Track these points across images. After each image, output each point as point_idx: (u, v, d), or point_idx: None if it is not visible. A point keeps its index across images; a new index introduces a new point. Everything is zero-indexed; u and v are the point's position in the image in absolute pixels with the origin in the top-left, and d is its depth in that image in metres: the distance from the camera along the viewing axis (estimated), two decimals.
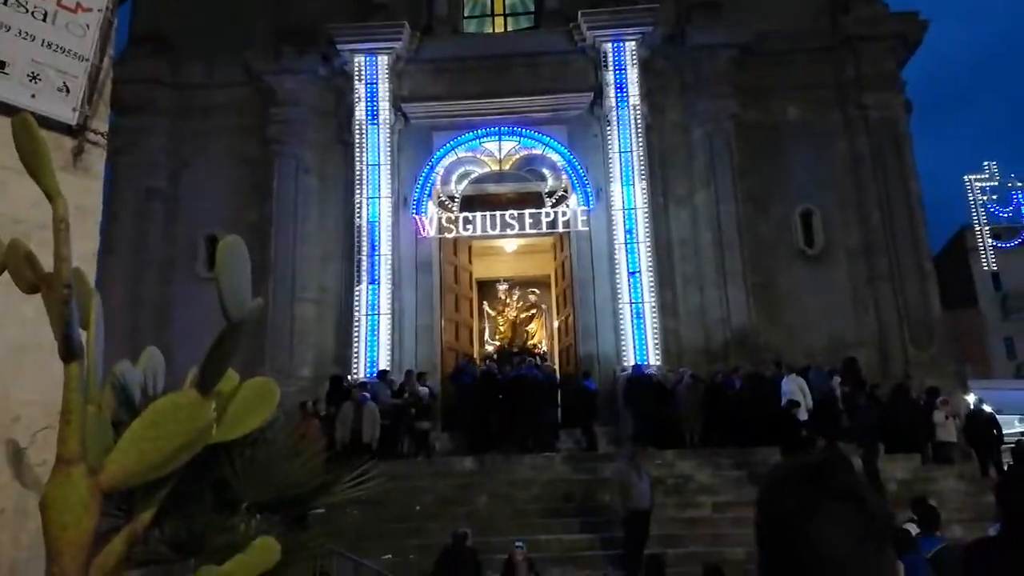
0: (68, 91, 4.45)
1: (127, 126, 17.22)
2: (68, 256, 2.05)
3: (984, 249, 22.59)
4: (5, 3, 4.20)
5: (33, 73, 4.30)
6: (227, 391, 2.51)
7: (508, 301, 19.73)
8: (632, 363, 15.59)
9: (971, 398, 17.01)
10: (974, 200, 21.15)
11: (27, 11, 4.27)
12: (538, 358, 17.05)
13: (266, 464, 2.63)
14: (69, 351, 2.08)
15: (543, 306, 19.62)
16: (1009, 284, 33.38)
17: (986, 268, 24.53)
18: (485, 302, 20.10)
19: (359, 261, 16.72)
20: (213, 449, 2.51)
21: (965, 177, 21.38)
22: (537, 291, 19.72)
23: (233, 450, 2.58)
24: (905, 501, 11.59)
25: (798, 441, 12.50)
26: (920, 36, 17.87)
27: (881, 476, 11.86)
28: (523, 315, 19.45)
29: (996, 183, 21.17)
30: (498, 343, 19.18)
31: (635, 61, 17.15)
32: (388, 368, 15.81)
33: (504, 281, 20.12)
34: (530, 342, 18.86)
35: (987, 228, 22.30)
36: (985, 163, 21.25)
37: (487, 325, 20.00)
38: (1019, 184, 21.28)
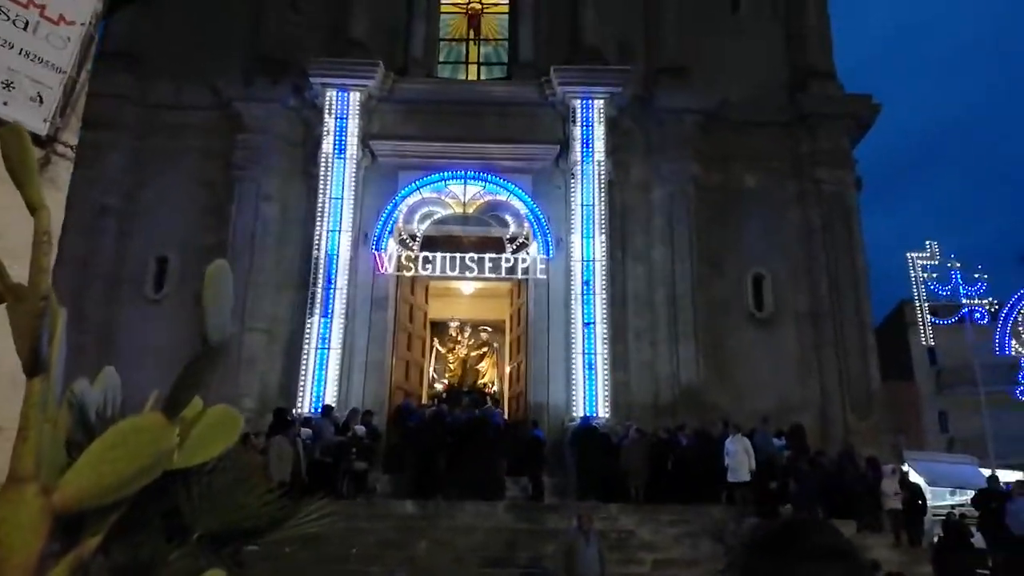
0: (41, 101, 4.39)
1: (88, 140, 16.68)
2: (48, 268, 2.01)
3: (923, 324, 23.44)
4: None
5: (7, 81, 4.23)
6: (190, 417, 2.47)
7: (459, 339, 19.45)
8: (581, 414, 15.63)
9: (905, 468, 17.48)
10: (915, 276, 22.03)
11: (8, 19, 4.22)
12: (489, 399, 16.80)
13: (222, 493, 2.57)
14: (35, 365, 2.03)
15: (495, 345, 19.30)
16: (944, 360, 34.62)
17: (924, 343, 25.43)
18: (436, 339, 19.85)
19: (314, 293, 16.55)
20: (170, 475, 2.45)
21: (908, 254, 22.29)
22: (489, 329, 19.47)
23: (191, 477, 2.52)
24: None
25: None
26: (873, 118, 18.80)
27: None
28: (474, 353, 19.16)
29: (936, 262, 22.12)
30: (447, 382, 18.78)
31: (602, 119, 17.61)
32: (334, 404, 15.53)
33: (456, 319, 19.92)
34: (480, 381, 18.55)
35: (926, 304, 23.17)
36: (927, 242, 22.20)
37: (436, 364, 19.70)
38: (958, 264, 22.27)
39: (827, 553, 1.03)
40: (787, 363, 17.19)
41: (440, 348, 19.46)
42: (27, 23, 4.31)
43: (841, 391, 16.90)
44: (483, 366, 19.02)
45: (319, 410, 15.11)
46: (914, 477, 17.69)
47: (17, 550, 1.99)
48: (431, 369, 19.82)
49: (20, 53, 4.29)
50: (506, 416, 16.80)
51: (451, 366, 19.17)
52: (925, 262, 22.12)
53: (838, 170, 18.10)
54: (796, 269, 17.83)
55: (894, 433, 20.35)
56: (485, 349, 19.20)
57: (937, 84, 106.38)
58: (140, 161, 17.88)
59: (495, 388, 18.38)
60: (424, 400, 18.08)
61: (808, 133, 18.28)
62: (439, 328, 20.88)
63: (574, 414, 15.80)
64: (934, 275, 22.17)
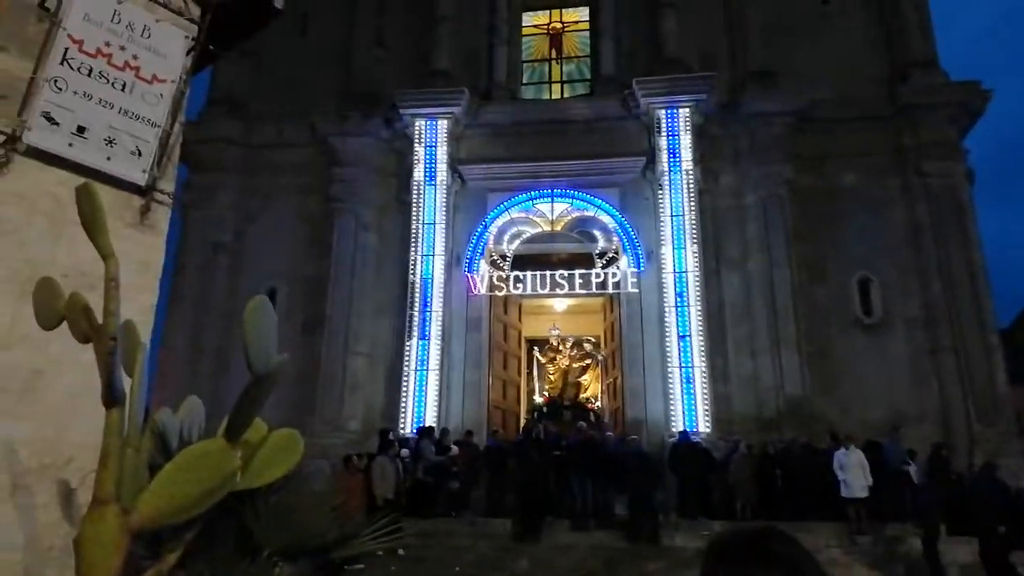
0: (140, 154, 4.83)
1: (199, 183, 18.23)
2: (116, 311, 2.25)
3: None
4: (89, 74, 4.62)
5: (109, 138, 4.69)
6: (255, 440, 2.66)
7: (561, 349, 18.30)
8: (680, 429, 15.32)
9: None
10: None
11: (108, 82, 4.69)
12: (592, 414, 16.17)
13: (287, 512, 2.74)
14: (111, 398, 2.26)
15: (599, 357, 17.95)
16: None
17: None
18: (536, 347, 18.97)
19: (411, 316, 17.04)
20: (239, 496, 2.65)
21: None
22: (593, 339, 18.20)
23: (257, 497, 2.71)
24: None
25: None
26: (983, 106, 17.60)
27: (942, 559, 11.27)
28: (576, 365, 17.98)
29: None
30: (547, 395, 17.69)
31: (688, 127, 17.36)
32: (434, 424, 15.89)
33: (556, 327, 18.83)
34: (582, 396, 17.53)
35: None
36: None
37: (536, 377, 18.79)
38: None
39: (784, 561, 1.06)
40: (900, 370, 16.24)
41: (540, 358, 18.46)
42: (124, 84, 4.77)
43: (964, 398, 15.78)
44: (585, 379, 17.91)
45: (418, 431, 15.48)
46: None
47: (99, 565, 2.22)
48: (535, 384, 19.70)
49: (119, 112, 4.75)
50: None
51: (551, 378, 18.11)
52: None
53: (946, 162, 17.04)
54: (905, 271, 16.86)
55: None
56: (588, 361, 18.06)
57: None
58: (247, 199, 19.04)
59: (598, 403, 17.39)
60: (523, 417, 18.19)
61: (910, 125, 17.33)
62: (537, 344, 21.02)
63: (673, 429, 15.50)
64: None
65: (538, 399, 17.54)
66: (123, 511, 2.27)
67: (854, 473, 12.78)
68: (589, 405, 16.66)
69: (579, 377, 17.77)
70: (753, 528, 1.15)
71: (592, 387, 17.72)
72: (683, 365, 16.05)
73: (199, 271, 18.30)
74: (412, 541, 9.68)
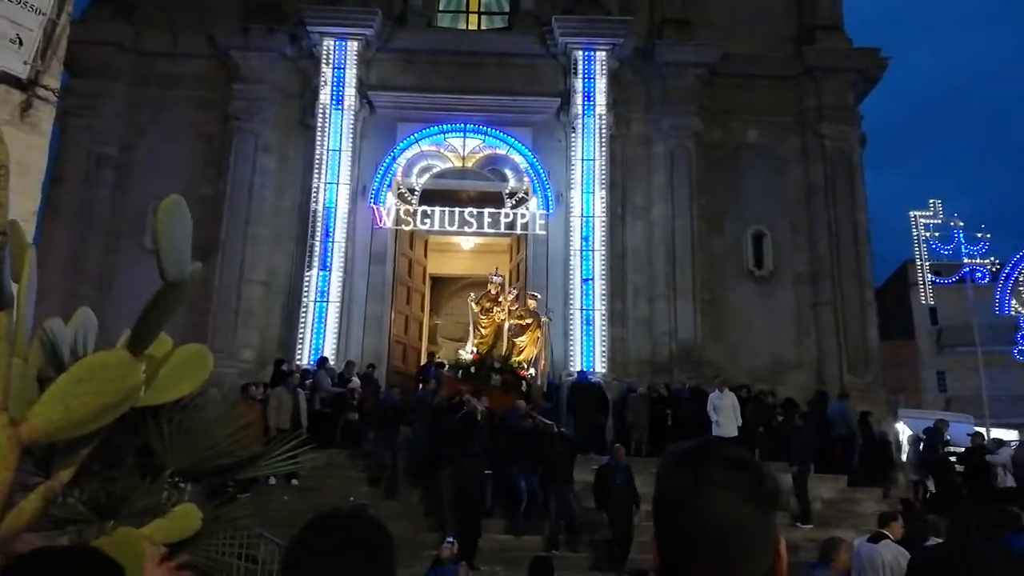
0: (21, 44, 4.34)
1: (82, 88, 16.73)
2: (5, 203, 2.01)
3: (923, 284, 23.39)
4: None
5: None
6: (159, 355, 2.49)
7: (500, 300, 15.65)
8: (578, 369, 15.74)
9: (899, 426, 17.69)
10: (917, 235, 21.90)
11: None
12: (523, 382, 14.46)
13: (193, 431, 2.61)
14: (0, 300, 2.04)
15: (545, 319, 15.50)
16: (945, 320, 34.74)
17: (924, 303, 25.41)
18: (472, 293, 16.37)
19: (312, 246, 16.55)
20: (140, 412, 2.48)
21: (910, 213, 22.11)
22: (538, 296, 15.80)
23: (161, 415, 2.56)
24: (832, 518, 12.05)
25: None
26: (880, 73, 18.48)
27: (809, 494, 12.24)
28: (515, 322, 15.33)
29: (939, 221, 21.96)
30: (475, 351, 15.11)
31: (604, 71, 17.34)
32: (333, 357, 15.65)
33: (498, 274, 16.50)
34: (515, 359, 15.02)
35: (928, 264, 23.10)
36: (931, 201, 22.00)
37: (472, 324, 15.81)
38: (960, 224, 22.10)
39: (737, 463, 1.13)
40: (784, 321, 17.22)
41: (474, 307, 15.67)
42: None
43: (839, 350, 16.93)
44: (522, 340, 15.21)
45: (316, 362, 15.22)
46: (909, 434, 17.92)
47: None
48: (436, 326, 18.82)
49: None
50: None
51: (483, 331, 15.39)
52: (928, 221, 21.97)
53: (842, 125, 17.86)
54: (797, 227, 17.73)
55: (892, 392, 20.50)
56: (530, 321, 15.26)
57: (950, 42, 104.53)
58: (136, 111, 17.72)
59: (531, 371, 14.96)
60: (423, 356, 18.05)
61: (814, 88, 17.99)
62: (441, 286, 20.82)
63: (571, 369, 15.91)
64: (937, 234, 22.04)
65: (465, 355, 15.09)
66: (11, 421, 2.08)
67: (726, 415, 13.60)
68: (521, 372, 14.70)
69: (517, 336, 15.27)
70: (705, 438, 1.23)
71: (528, 350, 15.21)
72: (584, 308, 16.41)
73: (80, 184, 16.99)
74: (309, 471, 9.56)
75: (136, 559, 2.10)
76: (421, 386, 14.66)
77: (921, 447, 14.76)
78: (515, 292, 16.18)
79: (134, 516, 2.44)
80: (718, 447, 1.16)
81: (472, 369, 14.50)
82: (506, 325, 15.34)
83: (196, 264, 2.16)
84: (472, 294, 16.22)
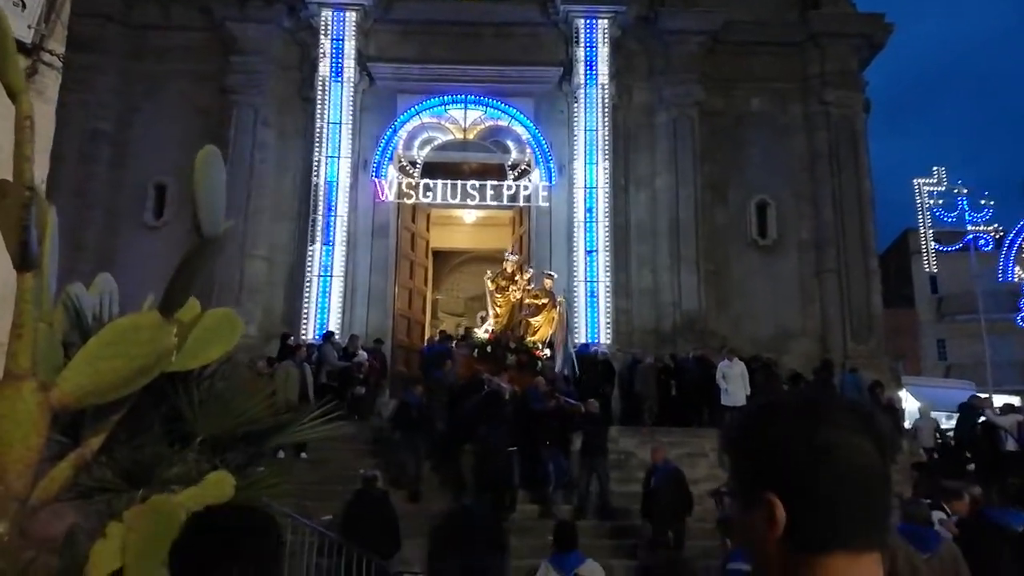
0: (24, 7, 4.21)
1: (75, 62, 16.29)
2: (32, 156, 1.92)
3: (926, 252, 23.33)
4: None
5: None
6: (188, 320, 2.41)
7: (517, 279, 15.38)
8: (582, 341, 15.71)
9: (902, 393, 17.73)
10: (921, 203, 21.79)
11: None
12: (539, 363, 14.22)
13: (224, 398, 2.54)
14: (25, 260, 1.96)
15: (560, 300, 15.14)
16: (946, 288, 34.70)
17: (926, 270, 25.38)
18: (488, 271, 16.05)
19: (314, 221, 16.42)
20: (169, 378, 2.41)
21: (914, 181, 21.99)
22: (555, 275, 15.44)
23: (190, 381, 2.49)
24: None
25: None
26: (885, 39, 18.23)
27: None
28: (530, 301, 15.12)
29: (943, 188, 21.84)
30: (491, 330, 15.07)
31: (607, 40, 17.10)
32: (337, 331, 15.60)
33: (514, 252, 16.49)
34: (530, 339, 14.92)
35: (931, 231, 23.02)
36: (934, 168, 21.84)
37: (490, 303, 15.67)
38: (964, 191, 21.98)
39: (859, 411, 1.08)
40: (788, 290, 17.16)
41: (490, 285, 15.50)
42: None
43: (842, 318, 16.91)
44: (537, 320, 15.01)
45: (322, 337, 15.18)
46: (912, 401, 17.99)
47: (16, 445, 1.96)
48: (437, 300, 18.62)
49: None
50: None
51: (499, 310, 15.19)
52: (931, 188, 21.85)
53: (846, 91, 17.65)
54: (801, 195, 17.61)
55: (893, 359, 20.53)
56: (546, 301, 14.98)
57: (955, 7, 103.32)
58: (130, 85, 17.46)
59: (546, 351, 14.68)
60: (427, 330, 17.99)
61: (818, 54, 17.76)
62: (443, 260, 20.65)
63: (576, 340, 15.87)
64: (940, 202, 21.94)
65: (481, 334, 15.06)
66: (41, 387, 2.01)
67: (735, 383, 13.60)
68: (537, 352, 14.55)
69: (533, 316, 15.14)
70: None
71: (543, 331, 15.05)
72: (588, 280, 16.34)
73: (77, 161, 16.77)
74: (318, 443, 9.52)
75: (171, 527, 2.04)
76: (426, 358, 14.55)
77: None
78: (531, 271, 15.69)
79: (166, 484, 2.38)
80: (834, 397, 1.14)
81: (488, 348, 14.36)
82: (522, 304, 15.15)
83: (229, 221, 2.08)
84: (488, 272, 15.90)
